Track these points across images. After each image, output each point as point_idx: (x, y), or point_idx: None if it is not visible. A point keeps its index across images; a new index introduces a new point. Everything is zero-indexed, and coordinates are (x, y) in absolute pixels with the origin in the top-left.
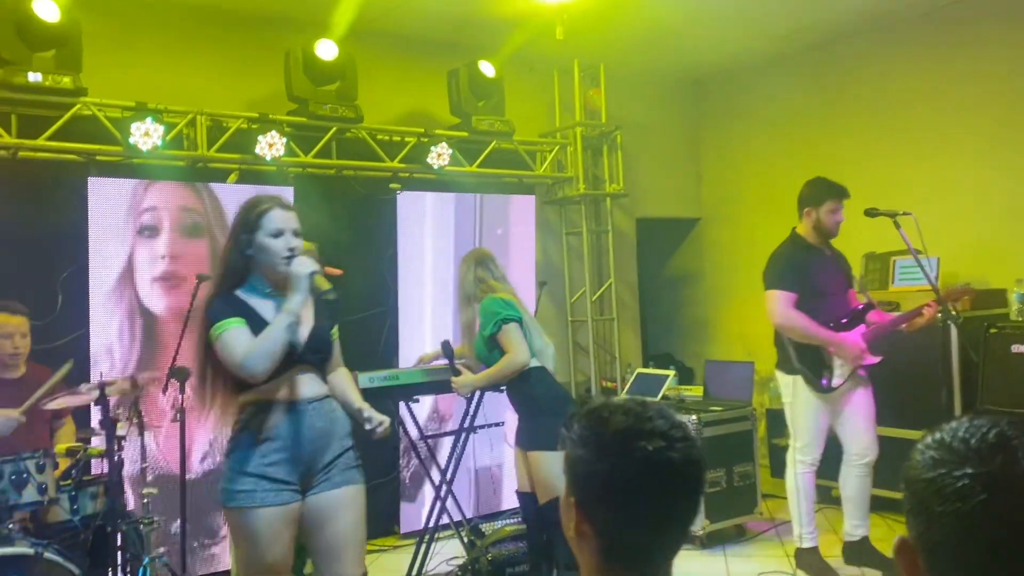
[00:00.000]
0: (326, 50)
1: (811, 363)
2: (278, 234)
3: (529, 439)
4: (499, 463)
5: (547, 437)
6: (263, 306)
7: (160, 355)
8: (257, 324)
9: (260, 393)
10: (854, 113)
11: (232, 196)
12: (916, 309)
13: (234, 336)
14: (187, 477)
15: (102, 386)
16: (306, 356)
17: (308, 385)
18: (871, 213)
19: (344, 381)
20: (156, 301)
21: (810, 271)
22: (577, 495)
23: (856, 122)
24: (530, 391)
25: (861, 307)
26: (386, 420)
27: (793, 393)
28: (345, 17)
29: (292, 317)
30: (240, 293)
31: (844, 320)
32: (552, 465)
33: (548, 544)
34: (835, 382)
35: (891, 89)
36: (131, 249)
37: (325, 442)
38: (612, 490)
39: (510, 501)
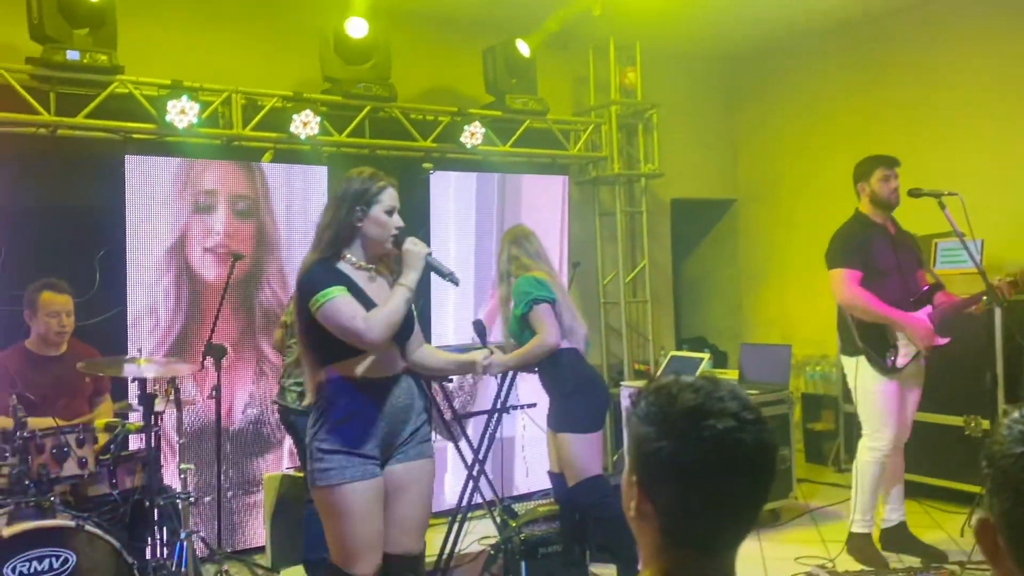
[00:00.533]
0: (356, 28)
1: (875, 342)
2: (391, 211)
3: (557, 420)
4: (532, 444)
5: (574, 419)
6: (360, 277)
7: (204, 326)
8: (356, 294)
9: (344, 369)
10: (896, 90)
11: (278, 178)
12: (975, 295)
13: (346, 303)
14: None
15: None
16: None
17: (392, 362)
18: (914, 193)
19: (434, 352)
20: (207, 271)
21: (871, 249)
22: (640, 474)
23: (899, 99)
24: (560, 372)
25: (928, 288)
26: (486, 351)
27: (856, 375)
28: None
29: (411, 293)
30: (337, 263)
31: (912, 300)
32: (579, 447)
33: (580, 525)
34: (900, 362)
35: (935, 65)
36: (185, 223)
37: (406, 416)
38: (677, 470)
39: (543, 482)
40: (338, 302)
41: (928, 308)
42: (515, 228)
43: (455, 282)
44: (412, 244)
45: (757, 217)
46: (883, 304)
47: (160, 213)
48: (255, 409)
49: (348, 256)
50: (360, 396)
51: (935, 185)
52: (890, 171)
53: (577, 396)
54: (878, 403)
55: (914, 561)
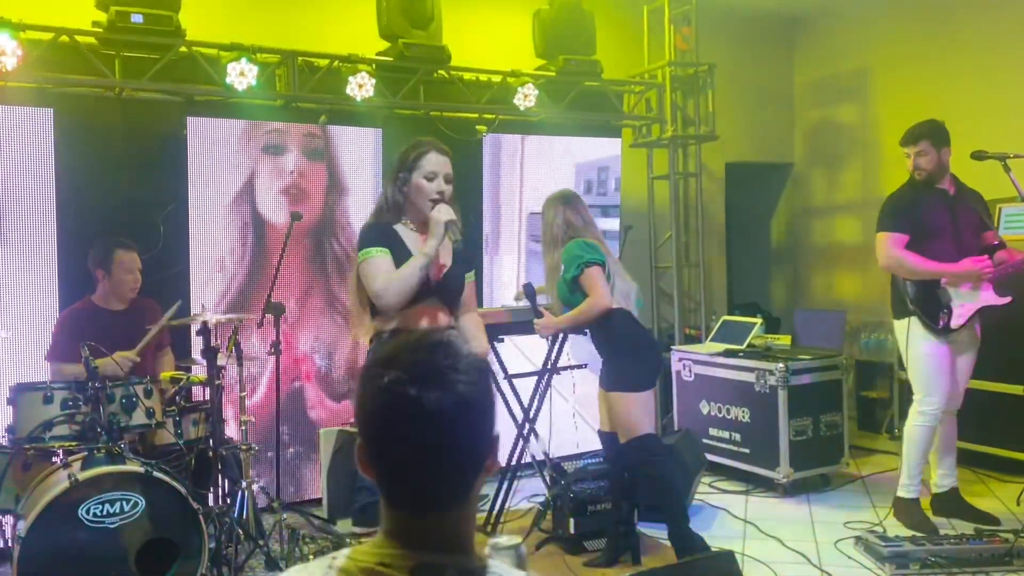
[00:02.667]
0: None
1: (927, 303)
2: (431, 177)
3: (609, 380)
4: (583, 404)
5: (627, 378)
6: (412, 239)
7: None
8: (404, 256)
9: (388, 323)
10: (959, 51)
11: (332, 133)
12: None
13: (376, 265)
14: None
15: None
16: (438, 293)
17: (436, 320)
18: (979, 156)
19: (471, 324)
20: (276, 213)
21: (920, 211)
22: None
23: (962, 60)
24: (611, 333)
25: (988, 247)
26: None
27: (908, 338)
28: None
29: (426, 259)
30: (396, 225)
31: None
32: (631, 406)
33: (630, 484)
34: (954, 322)
35: (1000, 23)
36: (253, 168)
37: None
38: (361, 421)
39: (592, 442)
40: (374, 262)
41: (979, 258)
42: (564, 191)
43: (456, 248)
44: (436, 211)
45: (814, 181)
46: (925, 260)
47: (222, 172)
48: (323, 360)
49: (405, 220)
50: None
51: (1000, 147)
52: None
53: (629, 356)
54: (929, 365)
55: (966, 527)
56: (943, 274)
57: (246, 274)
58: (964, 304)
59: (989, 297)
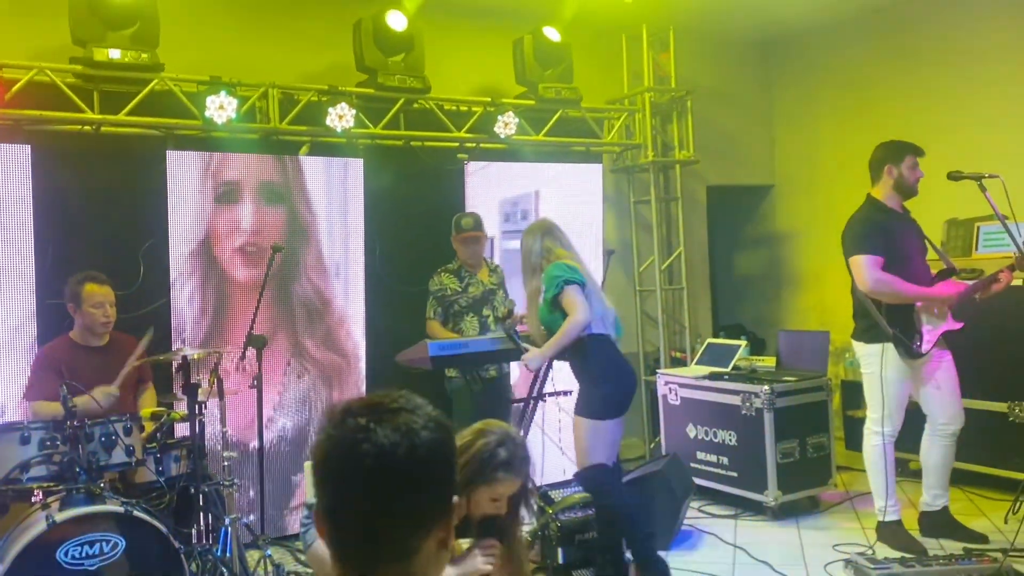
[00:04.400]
0: (397, 21)
1: (904, 327)
2: None
3: (577, 403)
4: (568, 431)
5: (588, 404)
6: None
7: (234, 324)
8: None
9: None
10: (933, 73)
11: (311, 165)
12: (991, 276)
13: None
14: (257, 445)
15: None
16: None
17: None
18: (954, 176)
19: None
20: (236, 271)
21: (893, 234)
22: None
23: (936, 83)
24: (587, 359)
25: (939, 273)
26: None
27: (882, 362)
28: None
29: None
30: None
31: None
32: (588, 432)
33: (615, 512)
34: (924, 347)
35: (973, 47)
36: (209, 217)
37: None
38: (315, 466)
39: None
40: None
41: (947, 284)
42: (542, 221)
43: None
44: None
45: (795, 203)
46: (910, 284)
47: (200, 207)
48: (292, 402)
49: None
50: None
51: (975, 168)
52: (917, 159)
53: (599, 383)
54: (896, 391)
55: (955, 547)
56: (927, 298)
57: (225, 309)
58: (932, 329)
59: (950, 323)
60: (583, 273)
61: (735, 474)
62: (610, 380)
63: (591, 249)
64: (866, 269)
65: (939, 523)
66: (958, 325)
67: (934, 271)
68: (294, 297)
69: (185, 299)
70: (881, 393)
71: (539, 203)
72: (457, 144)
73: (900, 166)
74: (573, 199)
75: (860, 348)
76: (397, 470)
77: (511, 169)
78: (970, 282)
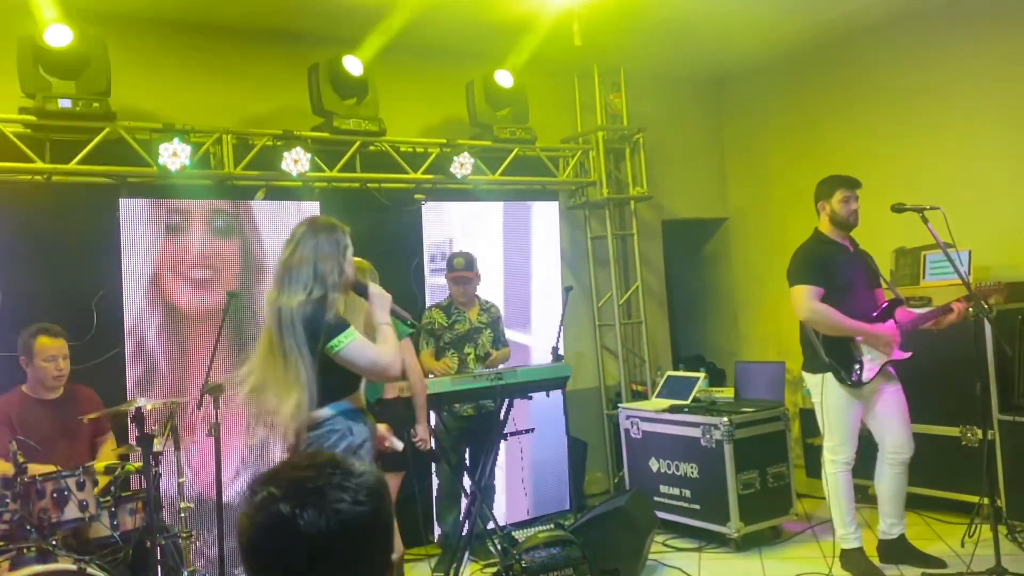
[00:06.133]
0: (353, 65)
1: (840, 357)
2: None
3: None
4: (531, 469)
5: None
6: None
7: (192, 370)
8: None
9: None
10: (877, 108)
11: (265, 208)
12: (944, 306)
13: None
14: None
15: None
16: None
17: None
18: (897, 209)
19: None
20: (186, 302)
21: (834, 266)
22: None
23: (880, 117)
24: None
25: (888, 303)
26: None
27: (823, 391)
28: (366, 32)
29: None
30: None
31: (874, 315)
32: None
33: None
34: (865, 376)
35: (915, 83)
36: (160, 251)
37: None
38: (240, 553)
39: (544, 507)
40: None
41: (891, 323)
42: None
43: None
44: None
45: (749, 235)
46: (845, 316)
47: (152, 255)
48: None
49: None
50: None
51: (919, 199)
52: (851, 192)
53: None
54: (843, 417)
55: (914, 573)
56: (862, 333)
57: (181, 356)
58: (873, 359)
59: (896, 353)
60: None
61: (698, 506)
62: None
63: (550, 285)
64: (804, 299)
65: (897, 551)
66: (904, 355)
67: (888, 299)
68: (252, 341)
69: (140, 347)
70: (829, 421)
71: (493, 242)
72: (414, 184)
73: (830, 201)
74: (530, 236)
75: (807, 378)
76: (325, 558)
77: (468, 208)
78: (919, 311)
